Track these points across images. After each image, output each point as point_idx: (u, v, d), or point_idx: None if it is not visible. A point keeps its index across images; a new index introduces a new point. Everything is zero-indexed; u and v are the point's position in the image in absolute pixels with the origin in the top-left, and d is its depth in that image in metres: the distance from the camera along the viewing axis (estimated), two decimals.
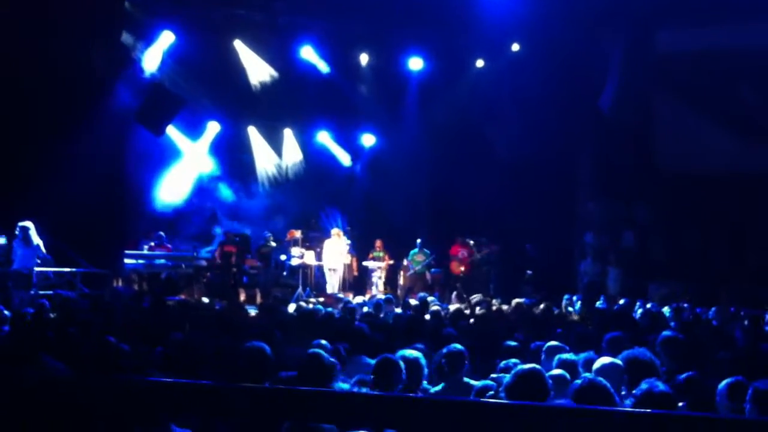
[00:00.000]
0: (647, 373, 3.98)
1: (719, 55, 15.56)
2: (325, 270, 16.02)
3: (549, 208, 16.53)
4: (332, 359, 4.56)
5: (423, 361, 4.63)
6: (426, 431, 1.75)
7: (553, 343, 5.57)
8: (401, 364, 4.59)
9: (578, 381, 3.74)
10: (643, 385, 3.54)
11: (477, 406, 1.85)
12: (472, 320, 9.04)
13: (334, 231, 16.17)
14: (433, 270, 16.71)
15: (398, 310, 10.92)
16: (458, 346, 5.14)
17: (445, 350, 5.06)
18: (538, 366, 3.96)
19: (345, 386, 4.48)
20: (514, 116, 16.85)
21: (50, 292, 11.77)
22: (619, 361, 4.52)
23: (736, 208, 15.68)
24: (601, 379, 3.87)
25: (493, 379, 4.97)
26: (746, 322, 8.67)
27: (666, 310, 10.38)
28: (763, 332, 8.24)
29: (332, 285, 15.86)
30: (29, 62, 13.52)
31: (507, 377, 3.93)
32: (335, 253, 15.97)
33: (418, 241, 16.73)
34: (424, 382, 4.91)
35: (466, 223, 17.00)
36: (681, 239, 16.43)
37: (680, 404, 4.28)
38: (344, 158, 19.03)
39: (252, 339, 5.06)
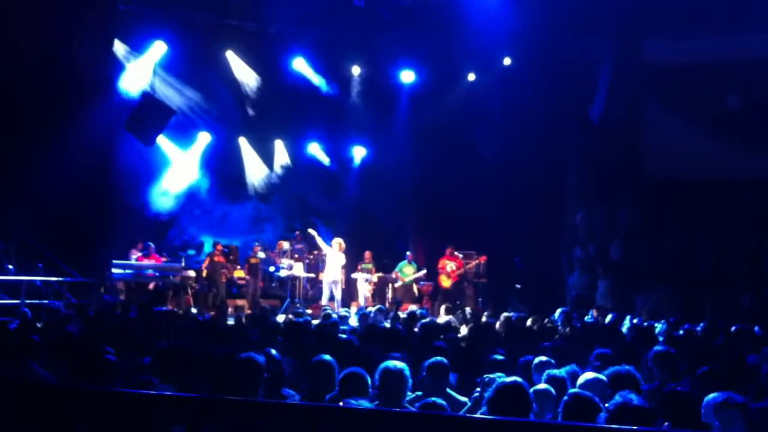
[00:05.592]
0: (630, 389, 3.99)
1: (705, 66, 15.79)
2: (324, 284, 15.35)
3: (539, 219, 16.61)
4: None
5: (407, 372, 4.63)
6: None
7: (541, 358, 5.58)
8: (366, 377, 4.57)
9: (566, 397, 3.76)
10: (617, 398, 3.52)
11: (460, 421, 1.87)
12: (461, 333, 9.05)
13: (336, 240, 15.45)
14: (422, 282, 16.72)
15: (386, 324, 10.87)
16: (440, 358, 5.15)
17: (426, 363, 5.05)
18: (520, 379, 3.97)
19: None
20: (505, 129, 16.93)
21: (37, 301, 11.74)
22: (602, 377, 4.55)
23: (723, 214, 15.85)
24: (586, 392, 3.90)
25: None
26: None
27: (658, 326, 10.42)
28: (748, 345, 8.29)
29: (335, 299, 15.09)
30: (19, 69, 13.51)
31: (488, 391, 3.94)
32: (336, 265, 15.32)
33: (408, 253, 16.73)
34: (409, 393, 4.90)
35: (456, 235, 17.00)
36: (668, 246, 16.58)
37: (666, 424, 4.31)
38: (335, 170, 19.04)
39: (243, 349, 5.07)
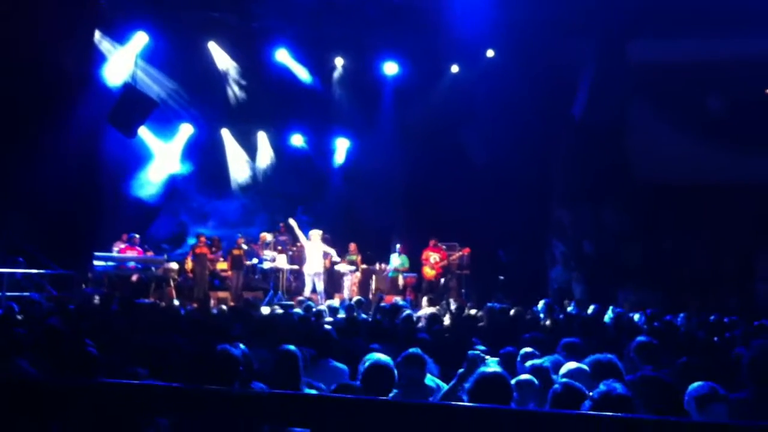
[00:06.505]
0: (613, 377, 4.02)
1: (689, 66, 15.82)
2: (306, 276, 15.18)
3: (522, 213, 16.67)
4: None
5: (392, 365, 4.64)
6: None
7: (527, 349, 5.59)
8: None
9: (556, 386, 3.78)
10: (601, 387, 3.55)
11: (440, 409, 1.89)
12: (445, 324, 9.07)
13: (314, 232, 15.39)
14: (406, 274, 16.76)
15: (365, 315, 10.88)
16: (415, 349, 5.16)
17: (401, 355, 5.05)
18: (500, 370, 3.99)
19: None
20: (489, 122, 16.96)
21: (18, 293, 11.66)
22: (585, 366, 4.58)
23: (707, 216, 15.93)
24: (575, 382, 3.92)
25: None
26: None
27: (636, 316, 10.49)
28: (729, 337, 8.38)
29: (318, 291, 15.00)
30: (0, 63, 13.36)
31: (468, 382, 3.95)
32: (317, 257, 15.17)
33: (398, 246, 16.73)
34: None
35: (440, 227, 17.04)
36: (651, 247, 16.65)
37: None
38: (319, 162, 19.01)
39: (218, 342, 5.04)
